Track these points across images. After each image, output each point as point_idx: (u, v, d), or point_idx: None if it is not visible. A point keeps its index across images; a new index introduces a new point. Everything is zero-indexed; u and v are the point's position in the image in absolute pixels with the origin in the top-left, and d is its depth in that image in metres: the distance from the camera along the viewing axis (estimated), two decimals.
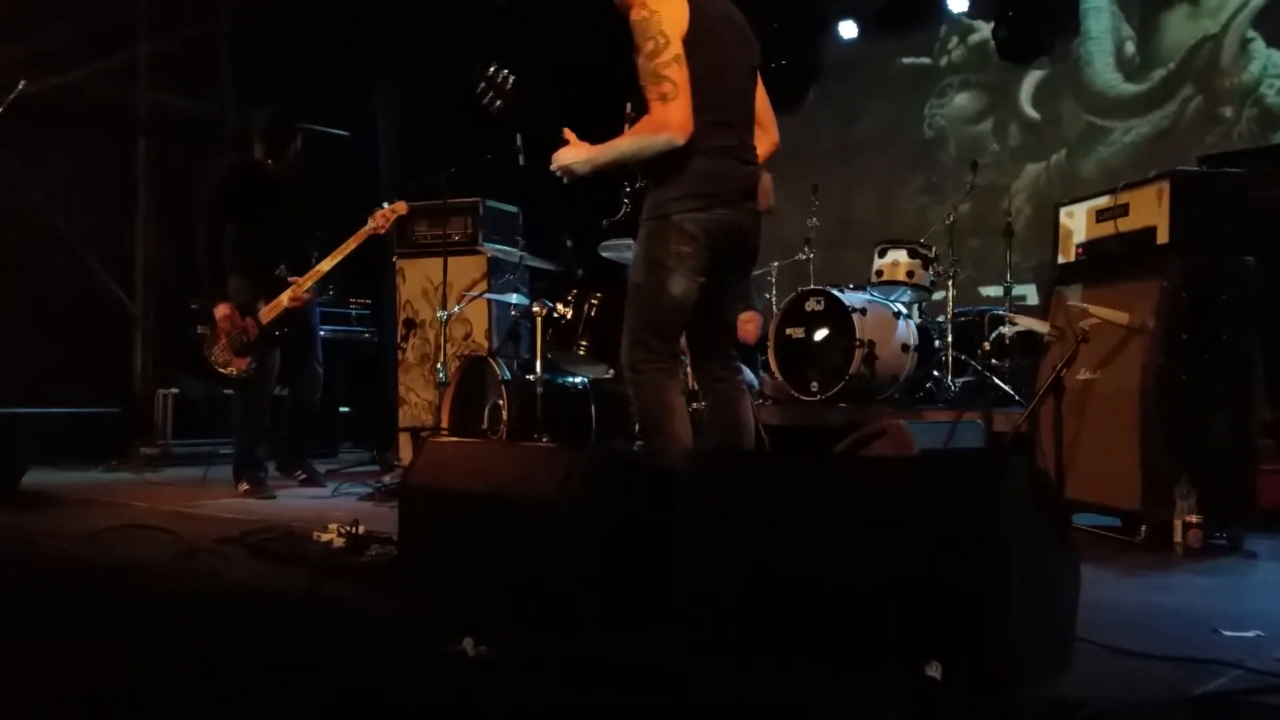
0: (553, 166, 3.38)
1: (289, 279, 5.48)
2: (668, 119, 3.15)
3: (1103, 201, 4.26)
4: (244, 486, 5.44)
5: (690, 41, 3.18)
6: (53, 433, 6.59)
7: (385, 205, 5.53)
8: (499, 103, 3.69)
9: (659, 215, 3.25)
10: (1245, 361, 3.89)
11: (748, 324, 5.70)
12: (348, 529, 3.56)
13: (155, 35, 7.89)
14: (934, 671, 2.00)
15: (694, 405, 4.76)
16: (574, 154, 3.36)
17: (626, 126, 3.79)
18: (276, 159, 5.51)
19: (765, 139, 3.54)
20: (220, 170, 5.61)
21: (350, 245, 5.45)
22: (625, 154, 3.30)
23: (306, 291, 5.48)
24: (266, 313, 5.43)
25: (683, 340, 3.54)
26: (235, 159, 5.65)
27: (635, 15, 3.21)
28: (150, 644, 2.53)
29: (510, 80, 3.68)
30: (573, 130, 3.48)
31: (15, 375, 6.78)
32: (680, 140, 3.16)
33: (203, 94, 8.33)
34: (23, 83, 5.37)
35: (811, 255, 6.79)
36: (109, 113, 7.87)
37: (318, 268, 5.47)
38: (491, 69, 3.70)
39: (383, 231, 5.51)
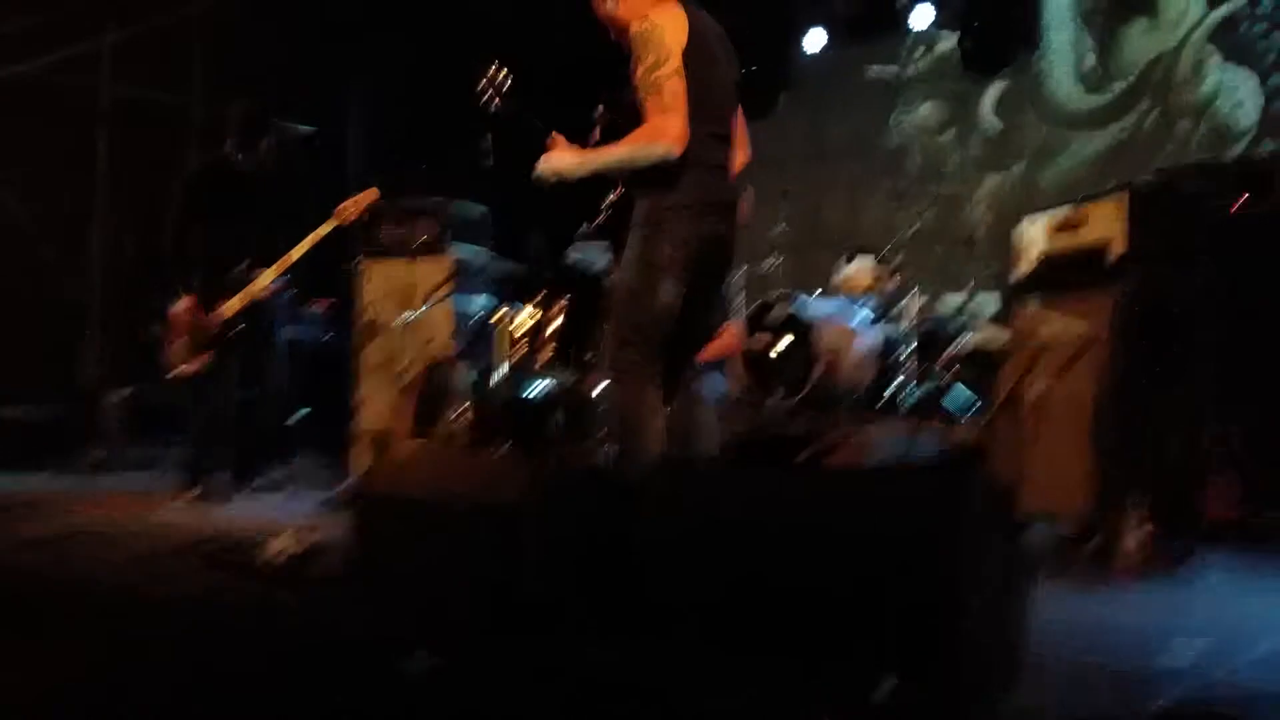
0: (541, 170, 3.43)
1: (253, 273, 5.41)
2: (666, 129, 3.23)
3: (1062, 213, 4.30)
4: (197, 490, 5.36)
5: (688, 56, 3.27)
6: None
7: (353, 195, 5.49)
8: (496, 102, 3.72)
9: (653, 221, 3.32)
10: (1199, 373, 3.93)
11: (730, 335, 5.70)
12: (303, 536, 3.52)
13: (122, 23, 7.76)
14: (890, 682, 2.01)
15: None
16: (565, 159, 3.43)
17: (597, 130, 3.83)
18: (248, 154, 5.46)
19: (739, 153, 3.61)
20: (193, 168, 5.59)
21: (319, 234, 5.40)
22: (620, 161, 3.39)
23: (273, 283, 5.41)
24: (229, 308, 5.37)
25: None
26: (208, 157, 5.59)
27: (637, 28, 3.31)
28: (100, 655, 2.50)
29: (510, 81, 3.71)
30: (548, 127, 3.51)
31: None
32: (677, 151, 3.24)
33: (169, 85, 8.20)
34: None
35: (779, 261, 6.81)
36: (71, 101, 7.72)
37: (284, 258, 5.40)
38: (493, 69, 3.74)
39: (352, 219, 5.46)
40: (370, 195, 5.49)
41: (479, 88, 3.83)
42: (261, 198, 5.54)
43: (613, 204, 3.86)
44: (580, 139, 3.62)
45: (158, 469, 6.26)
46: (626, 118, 3.52)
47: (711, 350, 5.45)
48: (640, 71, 3.28)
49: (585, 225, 3.82)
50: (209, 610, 2.97)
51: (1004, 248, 4.70)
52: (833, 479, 2.76)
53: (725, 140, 3.47)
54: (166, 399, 6.86)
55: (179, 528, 4.24)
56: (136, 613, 2.95)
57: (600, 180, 3.63)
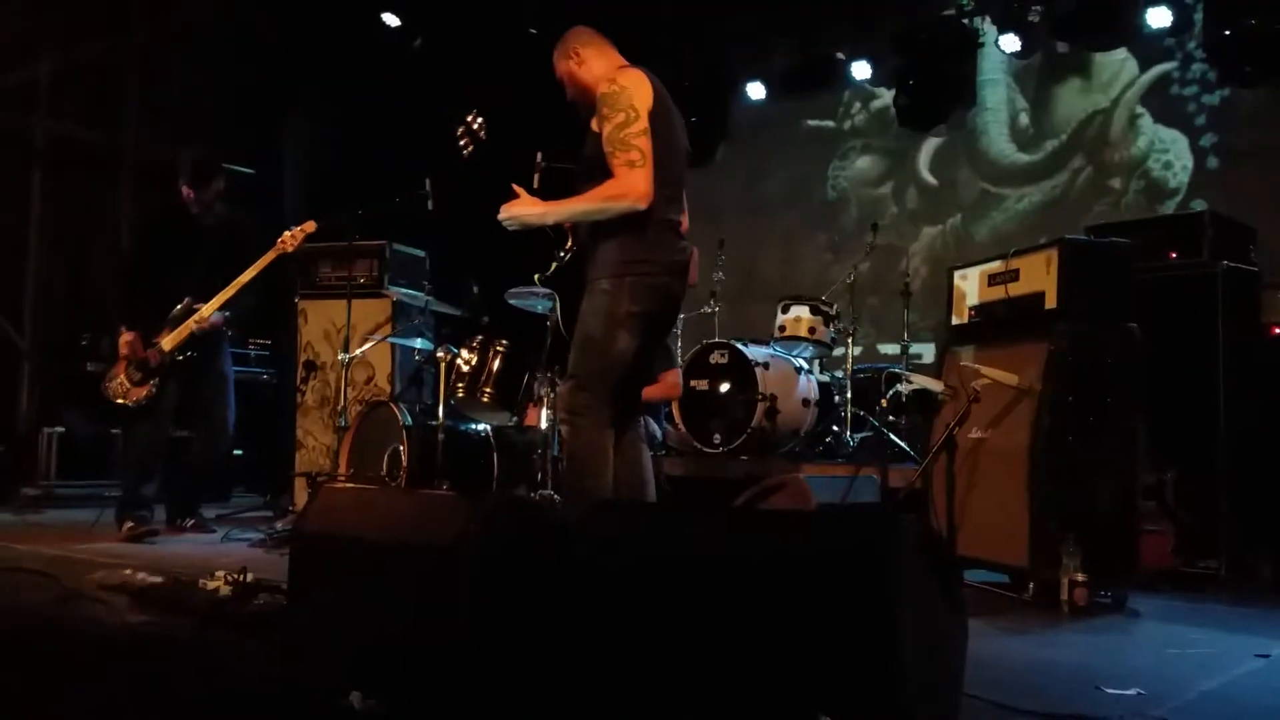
0: (501, 217, 3.54)
1: (194, 307, 5.40)
2: (634, 185, 3.37)
3: (994, 266, 4.40)
4: (128, 525, 5.28)
5: (654, 119, 3.43)
6: None
7: (293, 227, 5.49)
8: (470, 149, 3.79)
9: (616, 274, 3.45)
10: (1129, 424, 4.03)
11: (673, 379, 5.73)
12: (235, 576, 3.45)
13: (56, 64, 7.69)
14: None
15: None
16: (526, 208, 3.55)
17: (536, 176, 3.89)
18: (199, 195, 5.50)
19: (682, 221, 3.76)
20: (148, 213, 5.78)
21: (258, 267, 5.41)
22: (585, 212, 3.52)
23: (213, 316, 5.40)
24: (170, 340, 5.36)
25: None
26: (161, 204, 5.66)
27: (604, 89, 3.47)
28: (27, 692, 2.44)
29: (484, 129, 3.79)
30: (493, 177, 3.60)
31: None
32: (642, 206, 3.39)
33: (104, 125, 8.14)
34: None
35: (717, 309, 6.87)
36: (4, 139, 7.64)
37: (223, 292, 5.39)
38: (469, 116, 3.81)
39: (291, 250, 5.46)
40: (309, 226, 5.51)
41: (457, 134, 3.89)
42: (210, 240, 5.57)
43: (564, 256, 3.91)
44: (516, 178, 3.69)
45: (91, 506, 6.12)
46: (565, 169, 3.71)
47: (654, 392, 5.51)
48: (608, 129, 3.41)
49: (537, 277, 3.88)
50: (138, 649, 2.90)
51: (939, 298, 4.79)
52: (769, 522, 2.77)
53: (678, 203, 3.63)
54: (99, 436, 6.78)
55: (111, 565, 4.14)
56: (66, 650, 2.88)
57: (539, 232, 3.69)
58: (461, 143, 3.87)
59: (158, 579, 3.74)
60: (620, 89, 3.44)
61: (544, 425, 5.17)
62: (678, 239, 3.60)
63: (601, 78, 3.54)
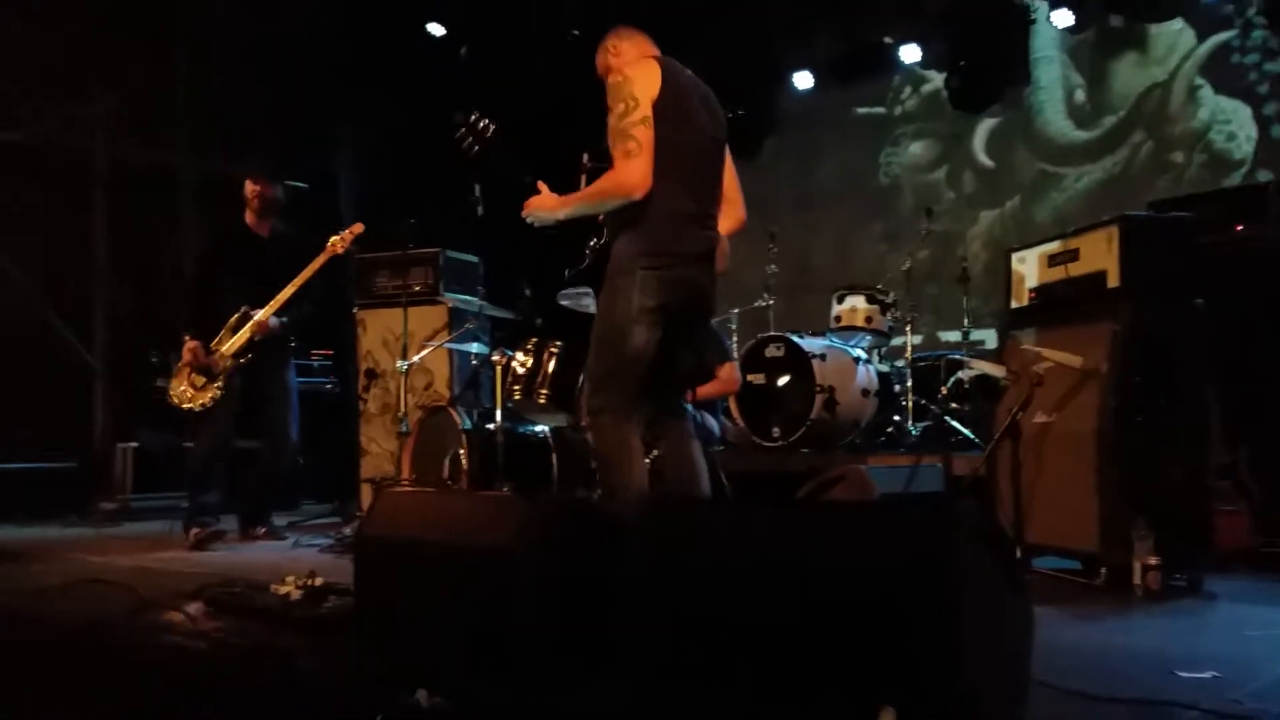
0: (524, 214, 3.57)
1: (250, 313, 5.56)
2: (630, 174, 3.33)
3: (1054, 246, 4.32)
4: (194, 532, 5.42)
5: (659, 108, 3.38)
6: (11, 488, 6.50)
7: (342, 231, 5.64)
8: (476, 148, 3.80)
9: (625, 270, 3.40)
10: (1199, 403, 3.94)
11: (728, 374, 5.72)
12: (305, 581, 3.51)
13: (116, 85, 7.86)
14: (889, 716, 1.99)
15: (654, 453, 4.78)
16: (545, 204, 3.55)
17: (582, 177, 3.90)
18: (270, 196, 5.72)
19: (732, 214, 3.73)
20: (213, 231, 5.95)
21: (312, 269, 5.56)
22: (588, 204, 3.52)
23: (271, 321, 5.54)
24: (229, 345, 5.52)
25: None
26: (222, 222, 5.88)
27: (611, 79, 3.47)
28: (106, 701, 2.50)
29: (490, 128, 3.80)
30: (533, 175, 3.60)
31: None
32: (638, 195, 3.34)
33: (161, 147, 8.31)
34: None
35: (771, 302, 6.84)
36: (66, 165, 7.83)
37: (279, 295, 5.54)
38: (473, 116, 3.83)
39: (341, 251, 5.62)
40: (357, 228, 5.67)
41: (458, 135, 3.91)
42: (268, 255, 5.74)
43: (595, 249, 3.94)
44: (568, 188, 3.69)
45: (166, 518, 6.26)
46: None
47: (710, 389, 5.50)
48: (611, 120, 3.40)
49: (569, 271, 3.89)
50: (212, 654, 2.96)
51: (1000, 283, 4.72)
52: (825, 513, 2.75)
53: (695, 194, 3.51)
54: (172, 450, 6.93)
55: (184, 575, 4.24)
56: (143, 658, 2.95)
57: (585, 226, 3.71)
58: (465, 144, 3.89)
59: (230, 586, 3.82)
60: (624, 79, 3.43)
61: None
62: (698, 228, 3.52)
63: (618, 69, 3.55)
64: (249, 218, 5.79)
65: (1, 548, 5.18)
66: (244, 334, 5.53)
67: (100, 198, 8.06)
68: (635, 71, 3.45)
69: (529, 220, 3.57)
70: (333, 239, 5.61)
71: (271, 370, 5.68)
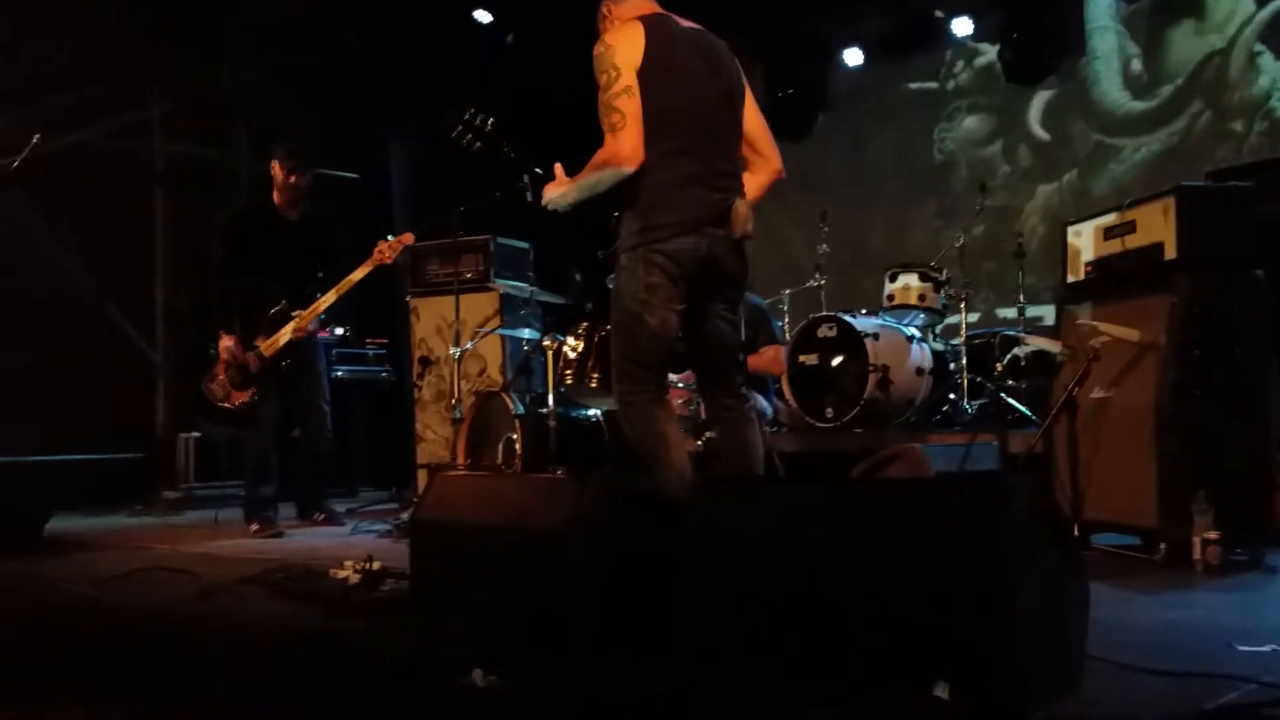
0: (543, 201, 3.47)
1: (291, 314, 5.54)
2: (617, 149, 3.20)
3: (1110, 219, 4.26)
4: (254, 526, 5.50)
5: (646, 73, 3.21)
6: (76, 479, 6.62)
7: (391, 237, 5.59)
8: (477, 144, 3.79)
9: (628, 247, 3.29)
10: (1259, 375, 3.87)
11: (770, 355, 5.70)
12: (363, 565, 3.58)
13: (171, 88, 8.00)
14: (942, 693, 1.99)
15: (708, 434, 4.78)
16: (555, 189, 3.43)
17: None
18: (300, 179, 5.61)
19: (765, 167, 3.53)
20: (231, 212, 5.83)
21: (356, 277, 5.52)
22: (588, 185, 3.33)
23: (310, 325, 5.54)
24: (268, 346, 5.51)
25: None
26: (248, 201, 5.76)
27: (595, 50, 3.28)
28: (172, 685, 2.56)
29: (489, 123, 3.77)
30: (538, 168, 3.53)
31: (39, 424, 6.84)
32: (629, 168, 3.20)
33: (217, 144, 8.44)
34: (36, 138, 5.45)
35: (823, 282, 6.80)
36: (126, 165, 7.99)
37: (321, 300, 5.53)
38: (468, 113, 3.80)
39: (388, 262, 5.56)
40: (406, 238, 5.62)
41: (455, 133, 3.89)
42: (296, 239, 5.70)
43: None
44: None
45: (226, 506, 6.39)
46: None
47: (754, 364, 5.48)
48: (598, 95, 3.25)
49: (601, 254, 3.84)
50: (273, 638, 3.02)
51: (1057, 258, 4.66)
52: (877, 491, 2.74)
53: (697, 154, 3.31)
54: (232, 440, 7.06)
55: (246, 561, 4.32)
56: (204, 642, 3.01)
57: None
58: (465, 141, 3.88)
59: (290, 571, 3.90)
60: (604, 49, 3.25)
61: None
62: (706, 190, 3.28)
63: (599, 38, 3.34)
64: (277, 198, 5.69)
65: (69, 537, 5.31)
66: (284, 335, 5.50)
67: (159, 196, 8.21)
68: (616, 38, 3.26)
69: (547, 207, 3.46)
70: (380, 245, 5.51)
71: (302, 362, 5.68)
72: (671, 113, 3.25)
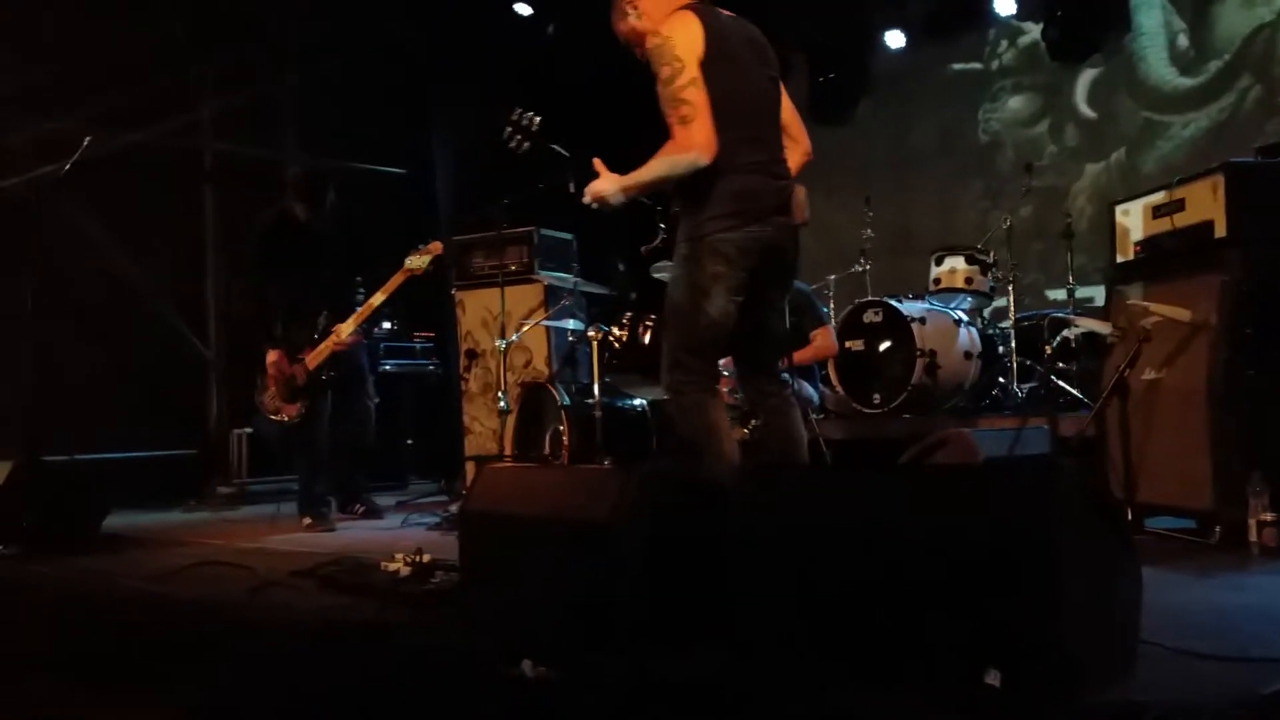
0: (585, 199, 3.42)
1: (332, 326, 5.57)
2: (691, 140, 3.18)
3: (1158, 198, 4.19)
4: (307, 521, 5.56)
5: (708, 62, 3.22)
6: (133, 476, 6.74)
7: (421, 246, 5.58)
8: (525, 144, 3.79)
9: (694, 236, 3.27)
10: None
11: (819, 343, 5.66)
12: (413, 558, 3.60)
13: (220, 89, 8.10)
14: (993, 679, 1.98)
15: (753, 423, 4.77)
16: (605, 185, 3.37)
17: None
18: (314, 211, 5.64)
19: (796, 149, 3.54)
20: (259, 224, 5.82)
21: (388, 289, 5.53)
22: (654, 178, 3.31)
23: (350, 335, 5.57)
24: (313, 358, 5.55)
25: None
26: (272, 212, 5.80)
27: (650, 43, 3.27)
28: (228, 677, 2.60)
29: (535, 121, 3.78)
30: (624, 156, 3.52)
31: (96, 422, 6.95)
32: (705, 159, 3.19)
33: (266, 141, 8.53)
34: (87, 139, 5.53)
35: (868, 267, 6.76)
36: (177, 165, 8.08)
37: (360, 311, 5.56)
38: (516, 113, 3.81)
39: (420, 274, 5.56)
40: (435, 249, 5.60)
41: (505, 134, 3.89)
42: (329, 250, 5.71)
43: (668, 222, 3.87)
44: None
45: (280, 500, 6.47)
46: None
47: (805, 355, 5.46)
48: (659, 87, 3.24)
49: (644, 248, 3.83)
50: (326, 630, 3.06)
51: (1106, 238, 4.59)
52: (926, 477, 2.72)
53: (761, 142, 3.36)
54: (285, 435, 7.14)
55: (298, 555, 4.38)
56: (260, 633, 3.06)
57: (661, 200, 3.61)
58: (513, 142, 3.88)
59: (341, 564, 3.94)
60: (664, 40, 3.22)
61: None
62: (770, 178, 3.33)
63: (652, 30, 3.31)
64: (298, 210, 5.70)
65: (126, 534, 5.40)
66: (325, 348, 5.52)
67: (209, 195, 8.32)
68: (673, 29, 3.24)
69: (591, 205, 3.40)
70: (409, 260, 5.52)
71: (346, 368, 5.71)
72: (732, 101, 3.25)
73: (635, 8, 3.45)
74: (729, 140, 3.22)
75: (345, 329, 5.55)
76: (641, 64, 3.45)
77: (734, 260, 3.23)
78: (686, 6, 3.34)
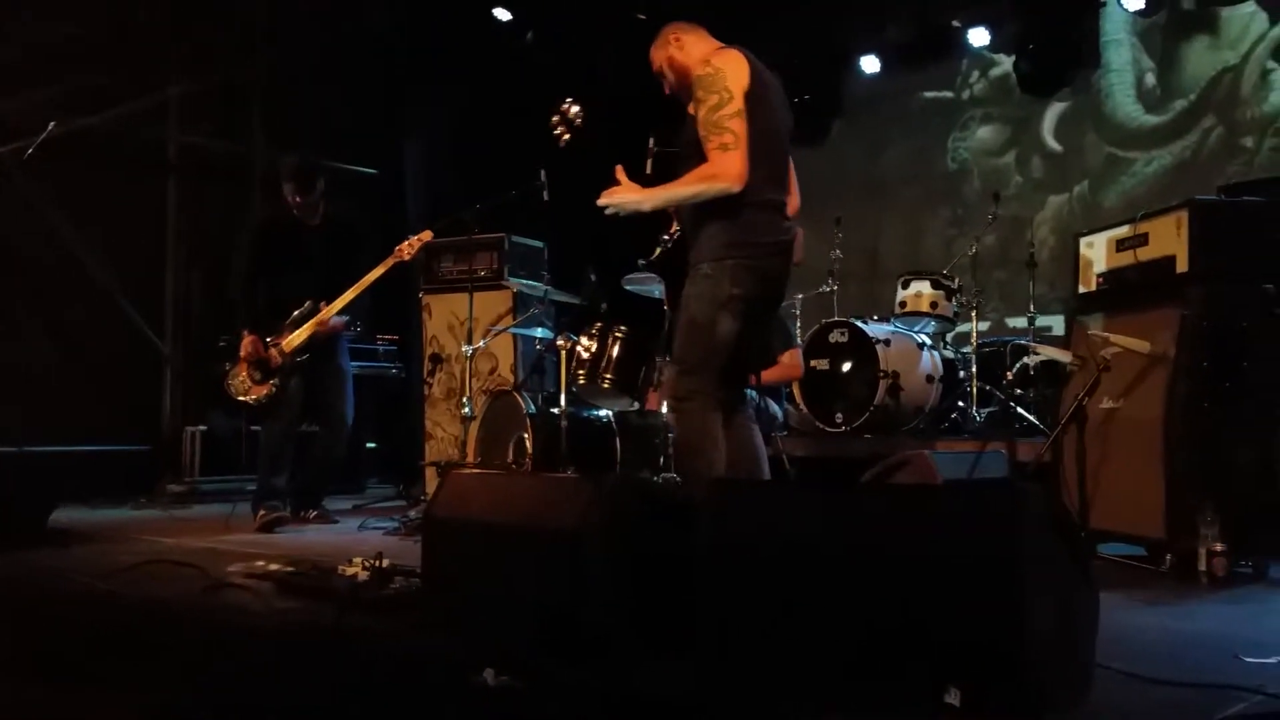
0: (604, 203, 3.53)
1: (317, 309, 5.57)
2: (728, 168, 3.37)
3: (1122, 231, 4.27)
4: (260, 514, 5.51)
5: (751, 100, 3.42)
6: (82, 470, 6.63)
7: (412, 236, 5.65)
8: (566, 136, 3.86)
9: (716, 258, 3.45)
10: (1267, 389, 3.87)
11: (787, 362, 5.71)
12: (372, 562, 3.58)
13: (187, 77, 8.01)
14: (953, 699, 2.01)
15: None
16: (629, 195, 3.53)
17: (649, 161, 3.92)
18: (305, 199, 5.63)
19: (790, 203, 3.72)
20: (257, 219, 5.87)
21: (377, 273, 5.56)
22: (683, 197, 3.52)
23: (332, 320, 5.56)
24: (290, 341, 5.53)
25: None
26: (268, 212, 5.80)
27: (699, 70, 3.47)
28: (178, 679, 2.57)
29: (580, 117, 3.85)
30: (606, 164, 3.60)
31: (45, 414, 6.83)
32: (736, 188, 3.38)
33: (232, 135, 8.46)
34: (51, 124, 5.47)
35: (835, 287, 6.82)
36: (139, 153, 7.99)
37: (344, 296, 5.55)
38: (565, 103, 3.87)
39: (408, 259, 5.62)
40: (425, 236, 5.67)
41: (551, 122, 3.95)
42: (320, 244, 5.72)
43: (668, 241, 3.98)
44: (633, 170, 3.70)
45: (233, 500, 6.40)
46: (678, 154, 3.66)
47: (773, 375, 5.49)
48: (703, 112, 3.41)
49: (641, 262, 3.91)
50: (281, 634, 3.03)
51: (1067, 269, 4.67)
52: (891, 496, 2.75)
53: (781, 183, 3.60)
54: (240, 434, 7.07)
55: (253, 556, 4.32)
56: (211, 637, 3.02)
57: (651, 216, 3.70)
58: (557, 131, 3.94)
59: (299, 567, 3.90)
60: (715, 70, 3.43)
61: (665, 409, 5.21)
62: (781, 219, 3.59)
63: (699, 60, 3.53)
64: (294, 209, 5.72)
65: (73, 529, 5.31)
66: (306, 330, 5.52)
67: (172, 184, 8.22)
68: (726, 63, 3.45)
69: (607, 210, 3.55)
70: (401, 245, 5.61)
71: (327, 357, 5.70)
72: (765, 141, 3.47)
73: (680, 41, 3.67)
74: (759, 175, 3.42)
75: (330, 310, 5.55)
76: (666, 95, 3.75)
77: (750, 286, 3.45)
78: (733, 46, 3.55)
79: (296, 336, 5.54)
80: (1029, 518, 2.12)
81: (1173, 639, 2.86)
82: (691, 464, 3.48)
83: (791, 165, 3.78)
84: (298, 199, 5.63)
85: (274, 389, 5.54)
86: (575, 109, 3.94)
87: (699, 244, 3.53)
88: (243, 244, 5.85)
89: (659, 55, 3.73)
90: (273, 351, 5.54)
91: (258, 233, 5.84)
